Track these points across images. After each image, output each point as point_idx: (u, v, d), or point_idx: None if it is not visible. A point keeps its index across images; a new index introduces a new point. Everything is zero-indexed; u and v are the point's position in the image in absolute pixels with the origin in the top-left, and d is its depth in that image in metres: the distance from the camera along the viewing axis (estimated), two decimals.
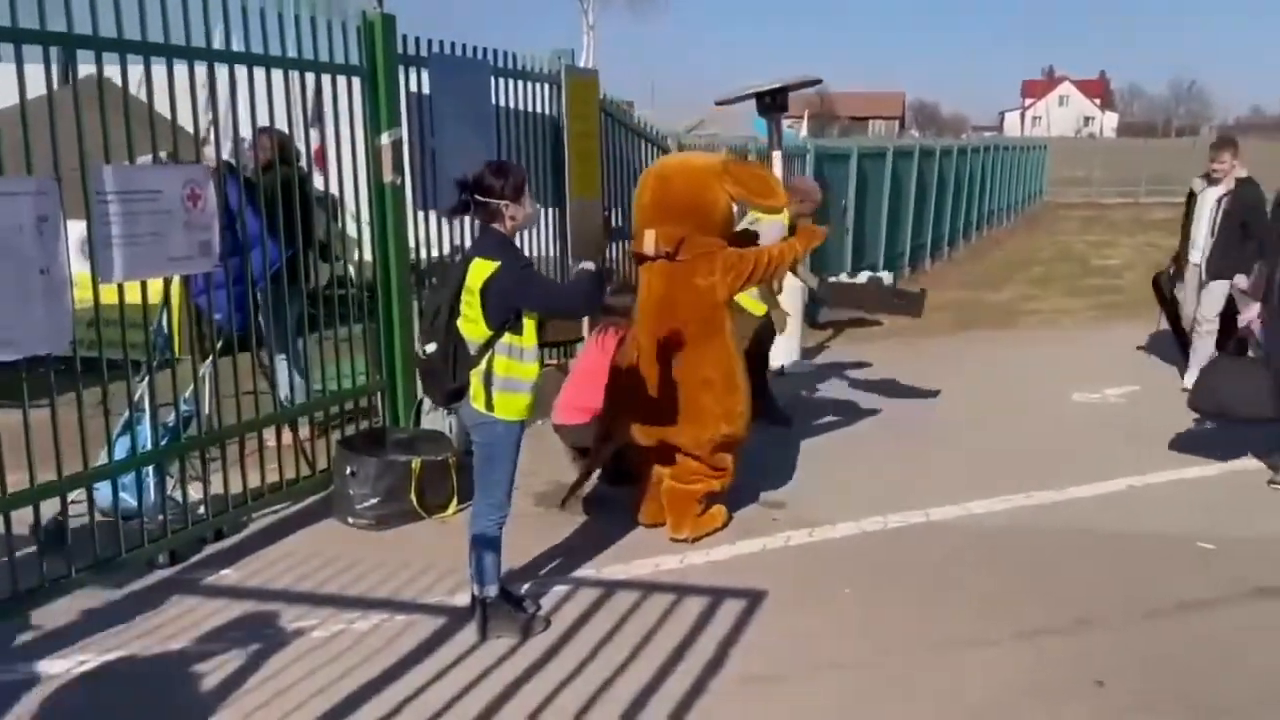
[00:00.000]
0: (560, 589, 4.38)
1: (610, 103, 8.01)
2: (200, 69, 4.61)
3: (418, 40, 5.81)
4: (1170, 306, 8.03)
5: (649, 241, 4.81)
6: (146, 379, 4.59)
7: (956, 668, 3.77)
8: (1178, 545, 4.81)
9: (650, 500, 5.05)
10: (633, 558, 4.73)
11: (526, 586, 4.36)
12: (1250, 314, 6.09)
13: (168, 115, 4.52)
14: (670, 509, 4.93)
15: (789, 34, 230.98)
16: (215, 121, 4.91)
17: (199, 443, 4.82)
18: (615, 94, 8.77)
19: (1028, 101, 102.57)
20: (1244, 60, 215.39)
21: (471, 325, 3.77)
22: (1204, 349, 7.22)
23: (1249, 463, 5.98)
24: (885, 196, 13.58)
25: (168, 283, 4.63)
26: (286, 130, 5.32)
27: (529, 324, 3.80)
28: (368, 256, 5.86)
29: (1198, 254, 7.54)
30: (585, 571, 4.59)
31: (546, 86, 7.04)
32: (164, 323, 4.90)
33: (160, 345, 4.88)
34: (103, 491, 4.48)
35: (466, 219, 6.37)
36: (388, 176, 5.61)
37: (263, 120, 5.03)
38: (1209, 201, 7.49)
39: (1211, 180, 7.55)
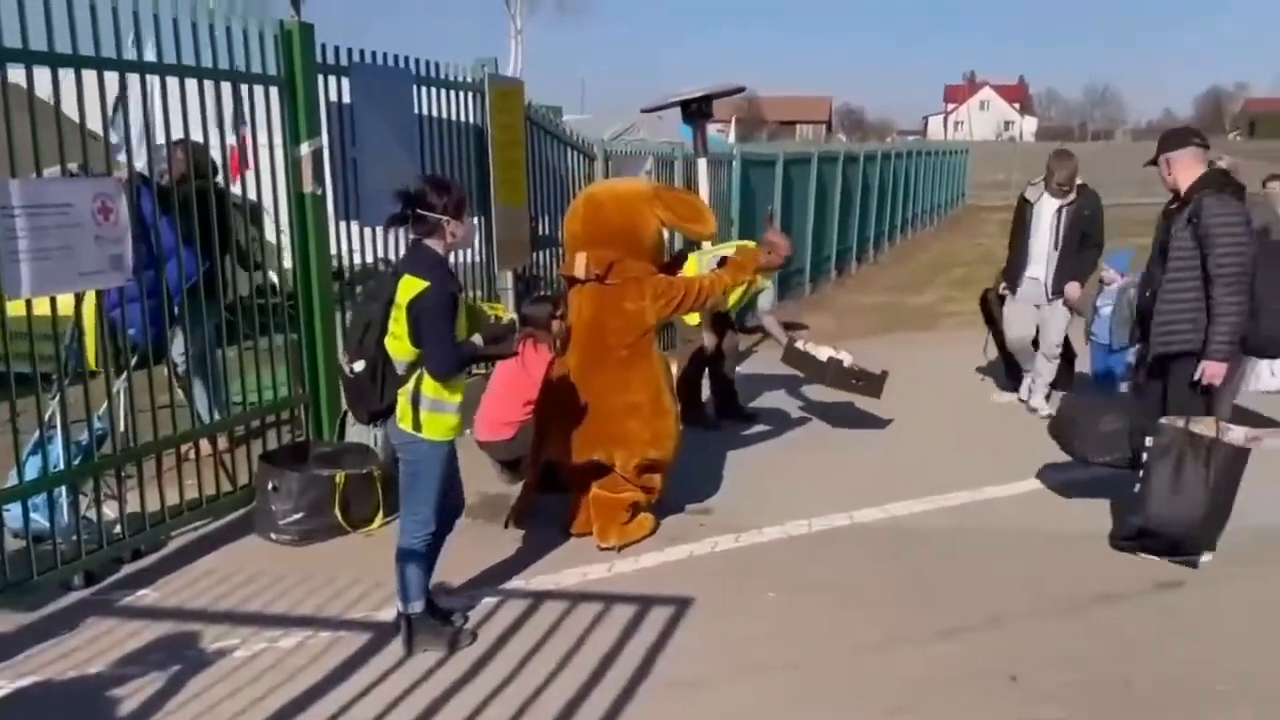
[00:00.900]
0: (488, 601, 4.38)
1: (536, 110, 8.01)
2: (112, 78, 4.51)
3: (337, 49, 5.75)
4: (998, 326, 7.65)
5: (580, 265, 4.86)
6: (58, 396, 4.47)
7: (876, 666, 3.86)
8: (1088, 542, 4.97)
9: (581, 511, 5.06)
10: (561, 567, 4.74)
11: (454, 600, 4.34)
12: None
13: (80, 125, 4.42)
14: (597, 517, 4.95)
15: (719, 39, 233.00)
16: (126, 133, 4.81)
17: (114, 460, 4.71)
18: (545, 99, 8.76)
19: (950, 106, 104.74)
20: (1155, 66, 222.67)
21: (398, 343, 3.74)
22: (1048, 372, 7.19)
23: None
24: (811, 202, 13.77)
25: (79, 297, 4.51)
26: (203, 140, 5.22)
27: (459, 333, 3.78)
28: (288, 265, 5.77)
29: (1038, 268, 7.07)
30: (514, 583, 4.58)
31: (470, 95, 7.01)
32: (74, 337, 4.77)
33: (72, 360, 4.75)
34: (13, 512, 4.36)
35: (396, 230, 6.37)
36: (308, 186, 5.54)
37: (178, 130, 4.94)
38: (1047, 213, 7.05)
39: (1055, 192, 7.05)
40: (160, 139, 4.98)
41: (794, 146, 21.08)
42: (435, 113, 6.62)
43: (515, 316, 4.96)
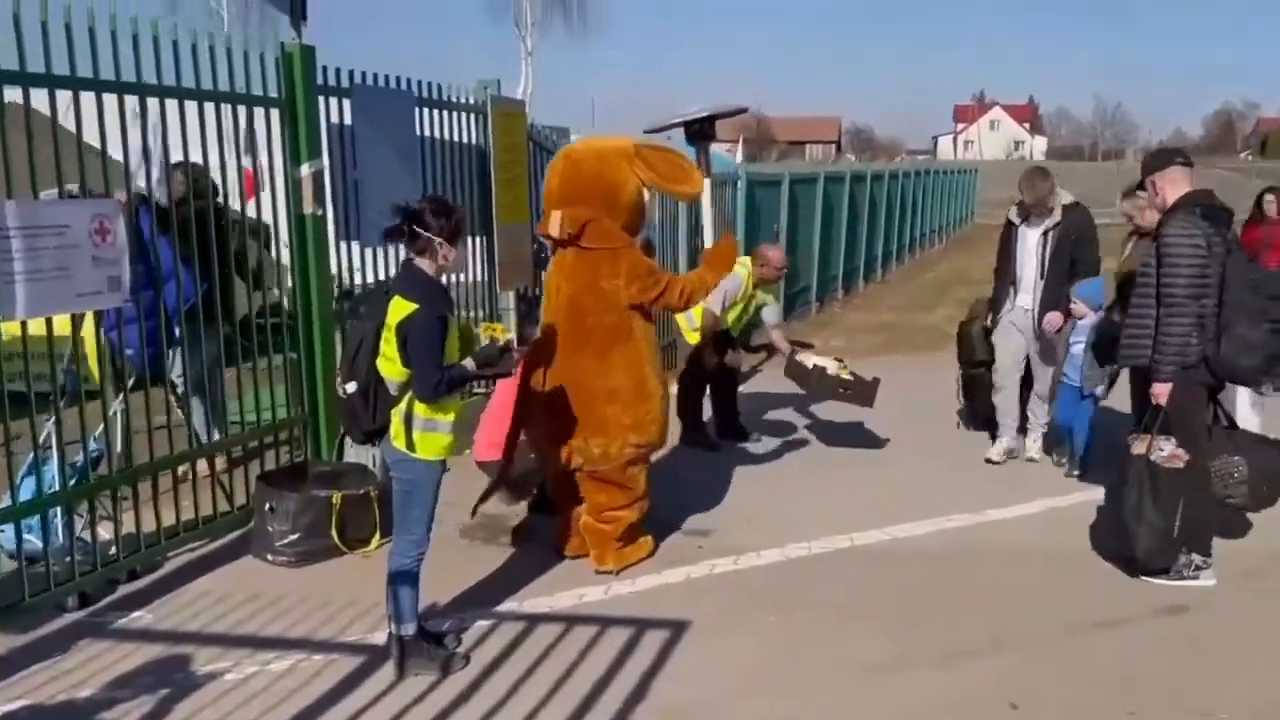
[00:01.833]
0: (482, 624, 4.34)
1: (538, 131, 8.03)
2: (112, 100, 4.54)
3: (338, 71, 5.78)
4: (970, 368, 7.05)
5: (554, 223, 4.74)
6: (53, 416, 4.47)
7: (876, 691, 3.80)
8: (1090, 564, 4.91)
9: (573, 534, 5.03)
10: (556, 590, 4.70)
11: (448, 622, 4.31)
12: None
13: (77, 145, 4.45)
14: (592, 544, 4.91)
15: (729, 59, 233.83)
16: (137, 153, 4.83)
17: (109, 482, 4.70)
18: (554, 120, 8.82)
19: (960, 126, 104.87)
20: (1166, 86, 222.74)
21: (391, 365, 3.73)
22: (1044, 414, 6.62)
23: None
24: (818, 221, 13.77)
25: (76, 318, 4.52)
26: (205, 162, 5.24)
27: (448, 359, 3.76)
28: (289, 285, 5.78)
29: (1027, 297, 6.45)
30: (508, 605, 4.55)
31: (472, 116, 7.03)
32: (70, 359, 4.77)
33: (69, 382, 4.76)
34: (6, 534, 4.35)
35: (394, 249, 6.37)
36: (308, 207, 5.56)
37: (180, 151, 4.96)
38: (1033, 236, 6.42)
39: (1032, 214, 6.43)
40: (161, 160, 5.00)
41: (801, 167, 21.10)
42: (437, 134, 6.64)
43: (512, 336, 4.84)
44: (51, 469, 4.46)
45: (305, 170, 5.52)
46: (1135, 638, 4.21)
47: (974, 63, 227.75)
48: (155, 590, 4.70)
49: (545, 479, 5.26)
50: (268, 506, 5.03)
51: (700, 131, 7.36)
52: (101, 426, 4.70)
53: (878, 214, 17.11)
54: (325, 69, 5.69)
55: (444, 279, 3.90)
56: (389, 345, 3.70)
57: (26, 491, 4.41)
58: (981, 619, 4.37)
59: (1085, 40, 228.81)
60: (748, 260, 6.92)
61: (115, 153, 4.62)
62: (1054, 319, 6.29)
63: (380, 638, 4.08)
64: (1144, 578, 4.66)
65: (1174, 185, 4.69)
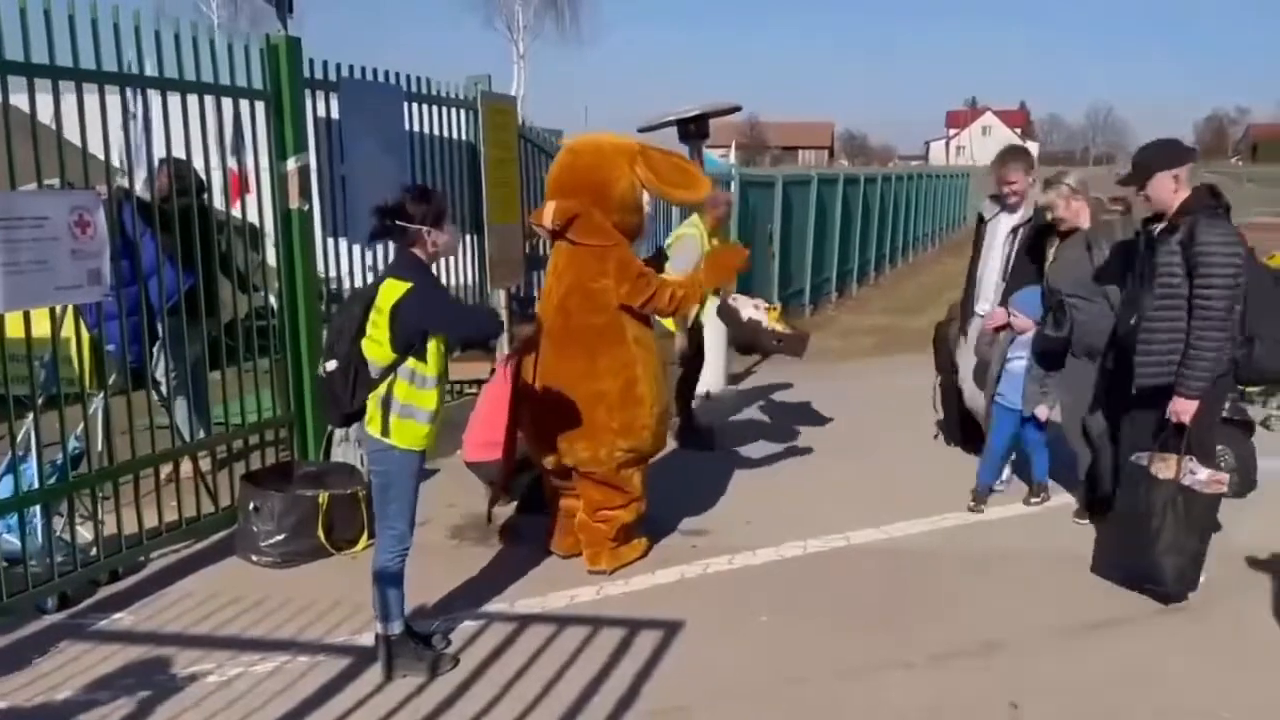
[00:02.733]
0: (472, 624, 4.26)
1: (530, 129, 7.96)
2: (93, 94, 4.45)
3: (325, 64, 5.70)
4: (948, 375, 6.47)
5: (546, 213, 4.69)
6: (31, 415, 4.38)
7: (872, 692, 3.73)
8: (1087, 564, 4.84)
9: (563, 532, 4.95)
10: (548, 590, 4.62)
11: (437, 623, 4.23)
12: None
13: (57, 138, 4.36)
14: (586, 544, 4.82)
15: (722, 63, 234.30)
16: (120, 146, 4.75)
17: (89, 480, 4.60)
18: (548, 123, 8.74)
19: (952, 131, 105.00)
20: (1157, 91, 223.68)
21: (376, 347, 3.66)
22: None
23: None
24: (810, 224, 13.73)
25: (54, 313, 4.42)
26: (188, 155, 5.15)
27: (434, 350, 3.68)
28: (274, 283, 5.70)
29: (986, 304, 5.74)
30: (499, 605, 4.46)
31: (463, 112, 6.96)
32: (49, 357, 4.68)
33: (47, 379, 4.66)
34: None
35: (382, 246, 6.30)
36: (294, 202, 5.48)
37: (163, 145, 4.88)
38: (1000, 234, 5.75)
39: (1004, 205, 5.74)
40: (144, 154, 4.92)
41: (794, 170, 21.11)
42: (427, 129, 6.56)
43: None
44: (30, 467, 4.36)
45: (291, 165, 5.44)
46: (1134, 637, 4.15)
47: (966, 69, 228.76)
48: (137, 591, 4.60)
49: (537, 478, 5.18)
50: (253, 507, 4.94)
51: (694, 131, 7.34)
52: (82, 425, 4.60)
53: (870, 218, 17.08)
54: (312, 62, 5.61)
55: (434, 268, 3.83)
56: (376, 328, 3.63)
57: (4, 490, 4.31)
58: (979, 618, 4.29)
59: (1077, 46, 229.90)
60: (696, 219, 6.83)
61: (96, 148, 4.54)
62: (996, 315, 5.52)
63: (367, 639, 3.99)
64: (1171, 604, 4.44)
65: (1184, 183, 4.34)
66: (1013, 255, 5.67)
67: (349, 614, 4.27)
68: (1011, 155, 5.71)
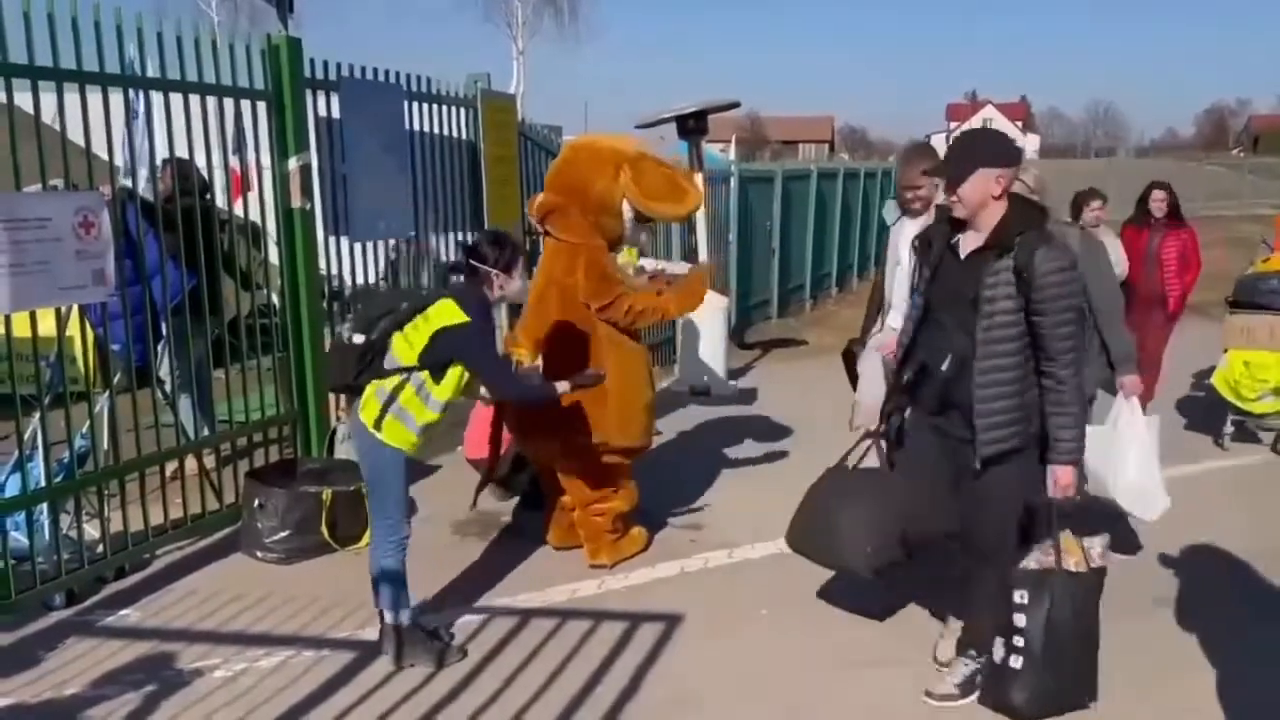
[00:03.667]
0: (474, 618, 4.30)
1: (530, 127, 7.99)
2: (95, 95, 4.49)
3: (326, 64, 5.73)
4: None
5: (533, 203, 4.84)
6: (38, 413, 4.42)
7: (868, 686, 3.77)
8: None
9: (557, 525, 4.98)
10: (549, 584, 4.66)
11: (442, 616, 4.27)
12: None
13: (62, 138, 4.40)
14: (586, 539, 4.86)
15: (722, 59, 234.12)
16: (123, 147, 4.78)
17: (95, 479, 4.65)
18: (547, 120, 8.77)
19: (952, 124, 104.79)
20: (1158, 84, 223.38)
21: (405, 348, 3.72)
22: None
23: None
24: (810, 218, 13.74)
25: (59, 313, 4.46)
26: (190, 155, 5.19)
27: (453, 378, 3.73)
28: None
29: (896, 316, 4.69)
30: (501, 600, 4.50)
31: (462, 110, 6.98)
32: (55, 356, 4.72)
33: (54, 379, 4.70)
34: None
35: (380, 243, 6.33)
36: (296, 202, 5.51)
37: (166, 145, 4.92)
38: (904, 242, 4.65)
39: (906, 210, 4.83)
40: (147, 154, 4.96)
41: (794, 164, 21.10)
42: (427, 128, 6.60)
43: (537, 364, 4.43)
44: (37, 465, 4.40)
45: (293, 164, 5.47)
46: (1130, 632, 4.16)
47: (966, 61, 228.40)
48: (143, 588, 4.64)
49: (537, 475, 5.22)
50: (257, 503, 4.98)
51: (694, 127, 7.37)
52: (88, 423, 4.64)
53: (871, 212, 17.08)
54: (312, 62, 5.64)
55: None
56: (417, 332, 3.69)
57: (12, 488, 4.35)
58: None
59: (1078, 38, 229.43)
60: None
61: (100, 149, 4.57)
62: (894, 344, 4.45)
63: (370, 634, 4.04)
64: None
65: (1006, 191, 3.35)
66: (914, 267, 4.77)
67: (353, 609, 4.31)
68: (915, 155, 4.84)
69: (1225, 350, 6.74)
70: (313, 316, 5.65)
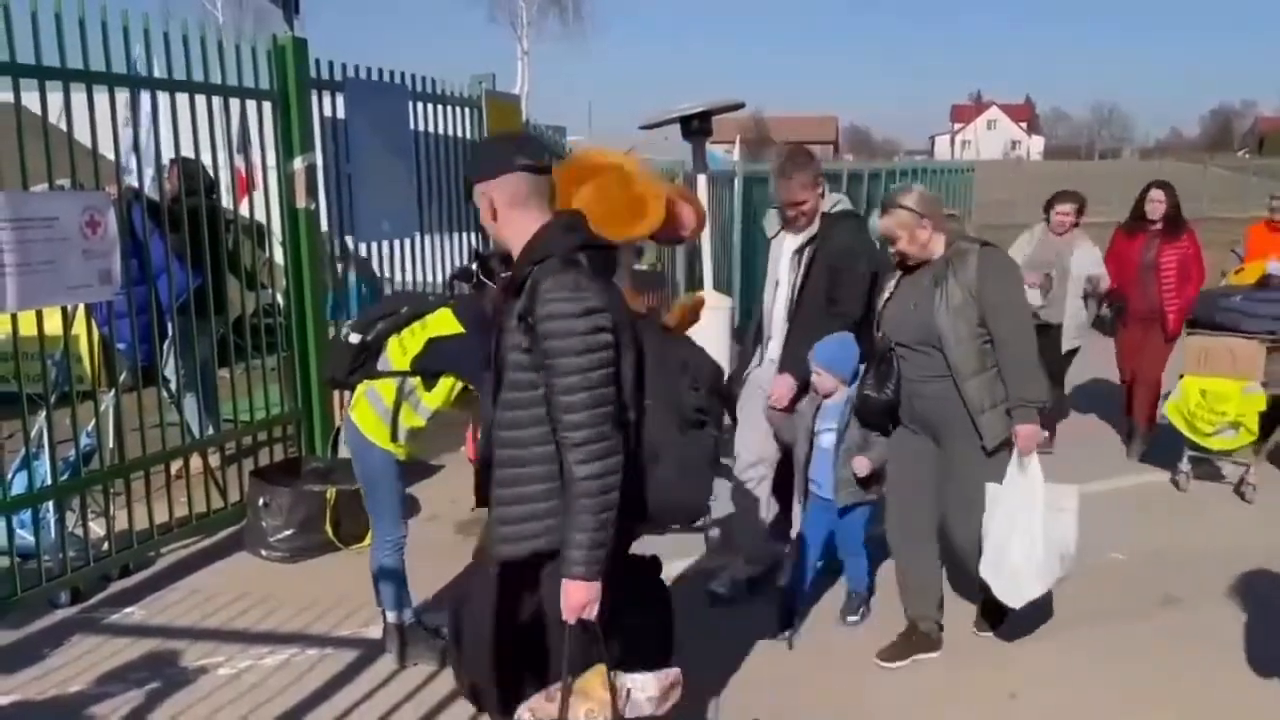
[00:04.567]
0: None
1: (534, 127, 8.00)
2: (102, 95, 4.51)
3: (331, 64, 5.75)
4: None
5: None
6: (44, 412, 4.44)
7: (876, 680, 3.79)
8: (1090, 556, 4.87)
9: None
10: None
11: (444, 614, 4.26)
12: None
13: (84, 141, 4.43)
14: None
15: (725, 60, 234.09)
16: (118, 146, 4.81)
17: (100, 477, 4.67)
18: (551, 120, 8.79)
19: (957, 126, 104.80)
20: (1163, 85, 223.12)
21: (399, 352, 3.72)
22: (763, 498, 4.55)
23: (1159, 475, 6.14)
24: None
25: (65, 312, 4.49)
26: (196, 155, 5.22)
27: (444, 388, 3.71)
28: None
29: (775, 345, 4.40)
30: None
31: (467, 111, 7.00)
32: (61, 355, 4.75)
33: (59, 377, 4.73)
34: None
35: (385, 245, 6.35)
36: (301, 202, 5.53)
37: (172, 145, 4.94)
38: (785, 258, 4.38)
39: (786, 221, 4.36)
40: (153, 154, 4.98)
41: None
42: (431, 128, 6.61)
43: None
44: (43, 464, 4.42)
45: (298, 164, 5.50)
46: (1132, 631, 4.19)
47: (971, 63, 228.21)
48: (148, 586, 4.66)
49: None
50: (262, 502, 5.00)
51: (697, 128, 7.38)
52: (93, 421, 4.67)
53: (874, 213, 17.08)
54: (318, 62, 5.66)
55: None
56: (414, 338, 3.68)
57: (18, 486, 4.37)
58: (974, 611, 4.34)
59: (1082, 40, 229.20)
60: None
61: (106, 149, 4.60)
62: (781, 388, 4.25)
63: (374, 632, 4.06)
64: None
65: (527, 209, 2.53)
66: (798, 284, 4.31)
67: (356, 608, 4.33)
68: (793, 165, 4.27)
69: (1181, 376, 5.93)
70: (317, 316, 5.67)
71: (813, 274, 4.28)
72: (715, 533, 5.07)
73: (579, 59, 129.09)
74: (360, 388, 3.75)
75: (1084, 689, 3.74)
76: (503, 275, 3.30)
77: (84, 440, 4.58)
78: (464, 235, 6.99)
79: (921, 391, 3.78)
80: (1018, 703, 3.66)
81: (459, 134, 6.92)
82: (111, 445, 4.76)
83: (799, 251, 4.34)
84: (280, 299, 5.95)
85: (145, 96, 4.75)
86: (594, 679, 2.48)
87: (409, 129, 6.36)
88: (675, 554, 4.99)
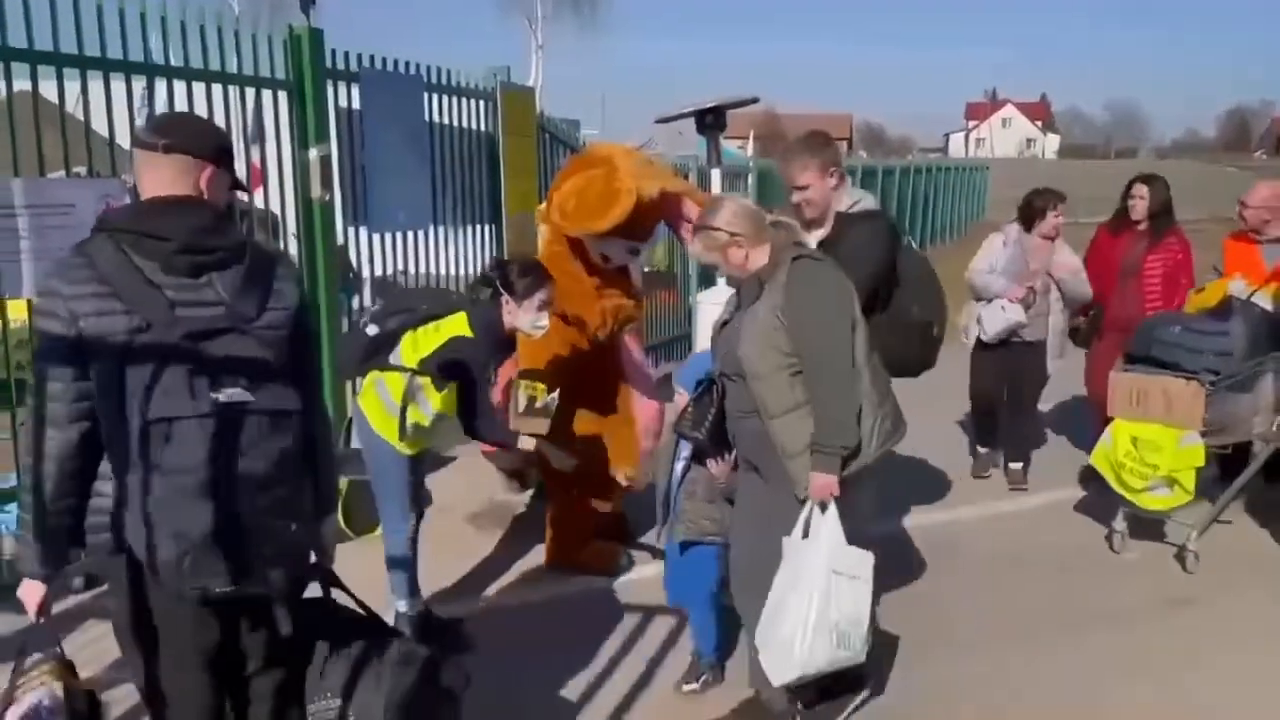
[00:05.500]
0: (490, 608, 4.32)
1: (548, 120, 8.00)
2: (119, 82, 4.53)
3: (347, 55, 5.76)
4: None
5: None
6: None
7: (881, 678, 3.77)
8: (1095, 558, 4.87)
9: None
10: (564, 576, 4.67)
11: (455, 606, 4.29)
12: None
13: (100, 130, 4.46)
14: (548, 535, 4.81)
15: (739, 55, 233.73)
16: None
17: None
18: (565, 114, 8.79)
19: (971, 123, 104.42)
20: (1179, 84, 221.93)
21: (410, 350, 3.73)
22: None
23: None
24: None
25: None
26: None
27: (452, 390, 3.70)
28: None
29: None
30: (515, 590, 4.54)
31: (482, 102, 7.00)
32: None
33: None
34: (12, 514, 4.33)
35: (399, 235, 6.36)
36: (316, 192, 5.54)
37: None
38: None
39: (799, 217, 3.78)
40: None
41: None
42: (446, 119, 6.62)
43: (554, 397, 4.04)
44: None
45: (313, 154, 5.50)
46: (1139, 631, 4.17)
47: (986, 59, 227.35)
48: None
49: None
50: None
51: (712, 122, 7.36)
52: None
53: (889, 210, 17.05)
54: (334, 52, 5.67)
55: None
56: (427, 337, 3.69)
57: None
58: (985, 610, 4.35)
59: (1099, 38, 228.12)
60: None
61: (123, 137, 4.61)
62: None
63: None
64: None
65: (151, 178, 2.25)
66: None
67: (367, 598, 4.33)
68: (797, 145, 4.07)
69: (1111, 419, 4.90)
70: (331, 307, 5.69)
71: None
72: None
73: (594, 53, 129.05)
74: (370, 378, 3.76)
75: (1092, 686, 3.72)
76: (521, 282, 3.64)
77: None
78: (478, 227, 6.99)
79: (738, 429, 3.27)
80: (1022, 704, 3.65)
81: (473, 126, 6.92)
82: None
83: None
84: None
85: (161, 85, 4.76)
86: None
87: (424, 120, 6.36)
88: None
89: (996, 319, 5.65)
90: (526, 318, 3.75)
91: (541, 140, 7.70)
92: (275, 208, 5.59)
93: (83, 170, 4.55)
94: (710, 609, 3.62)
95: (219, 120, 5.04)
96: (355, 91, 5.82)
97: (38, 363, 2.19)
